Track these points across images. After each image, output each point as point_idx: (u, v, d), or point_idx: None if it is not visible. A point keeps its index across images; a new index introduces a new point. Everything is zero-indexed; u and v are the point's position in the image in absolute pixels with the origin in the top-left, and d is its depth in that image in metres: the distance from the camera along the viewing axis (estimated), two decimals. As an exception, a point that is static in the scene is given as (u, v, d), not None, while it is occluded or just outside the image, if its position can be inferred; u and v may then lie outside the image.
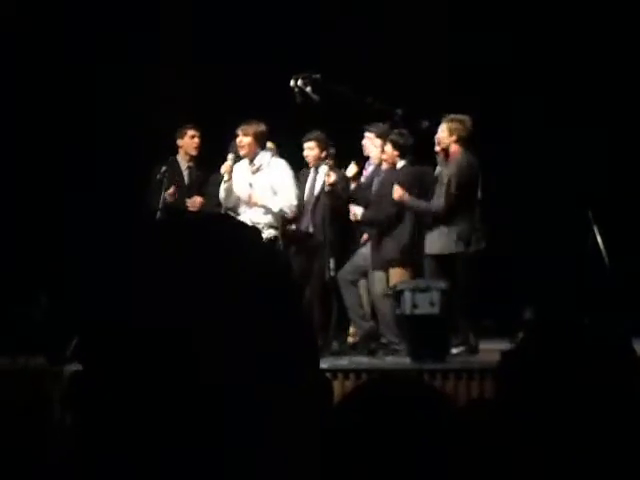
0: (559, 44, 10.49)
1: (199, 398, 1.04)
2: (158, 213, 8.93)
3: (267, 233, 8.50)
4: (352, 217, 9.19)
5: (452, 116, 8.73)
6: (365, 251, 9.29)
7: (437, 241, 8.65)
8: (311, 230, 9.23)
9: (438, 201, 8.66)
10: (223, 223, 1.13)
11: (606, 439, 1.66)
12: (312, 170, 9.34)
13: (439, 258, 8.65)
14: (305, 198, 9.23)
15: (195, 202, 9.32)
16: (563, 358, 1.72)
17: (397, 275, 8.88)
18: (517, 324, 8.08)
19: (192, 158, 9.60)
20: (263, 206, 8.82)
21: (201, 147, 9.59)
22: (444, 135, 8.71)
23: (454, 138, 8.68)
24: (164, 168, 9.35)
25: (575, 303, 9.06)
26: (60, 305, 8.14)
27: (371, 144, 9.42)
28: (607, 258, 8.73)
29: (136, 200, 9.39)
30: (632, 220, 9.88)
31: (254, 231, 1.14)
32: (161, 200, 9.19)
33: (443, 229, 8.63)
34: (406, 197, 8.78)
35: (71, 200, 10.59)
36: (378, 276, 9.04)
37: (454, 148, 8.70)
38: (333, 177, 9.07)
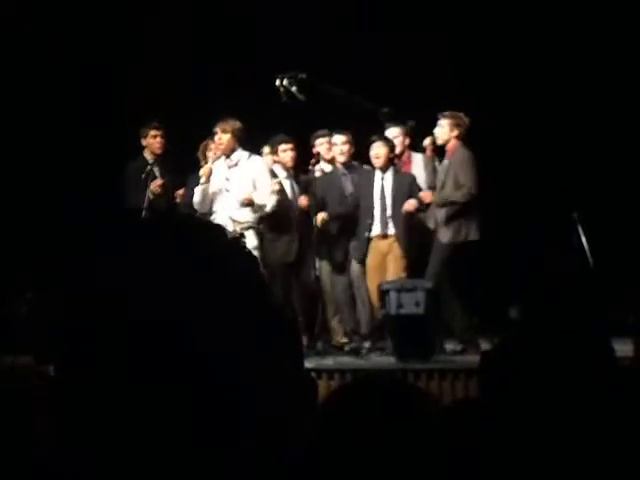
0: (550, 44, 10.51)
1: (178, 395, 1.04)
2: (143, 212, 8.92)
3: (231, 229, 8.40)
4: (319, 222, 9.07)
5: (451, 113, 8.78)
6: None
7: (461, 229, 8.69)
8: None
9: (460, 191, 8.68)
10: (190, 223, 1.14)
11: (586, 436, 1.67)
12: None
13: (457, 246, 8.67)
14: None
15: (155, 184, 9.29)
16: (543, 358, 1.73)
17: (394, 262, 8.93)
18: (503, 323, 8.08)
19: (157, 157, 9.56)
20: (246, 200, 8.77)
21: (166, 146, 9.54)
22: (445, 130, 8.75)
23: (455, 134, 8.74)
24: (149, 167, 9.35)
25: (559, 303, 9.08)
26: (46, 302, 8.11)
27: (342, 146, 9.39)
28: (591, 259, 8.75)
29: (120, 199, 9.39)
30: (617, 221, 9.91)
31: (220, 230, 1.15)
32: (145, 199, 9.17)
33: (461, 218, 8.68)
34: (429, 197, 8.82)
35: (59, 196, 10.56)
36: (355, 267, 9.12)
37: (453, 143, 8.76)
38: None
